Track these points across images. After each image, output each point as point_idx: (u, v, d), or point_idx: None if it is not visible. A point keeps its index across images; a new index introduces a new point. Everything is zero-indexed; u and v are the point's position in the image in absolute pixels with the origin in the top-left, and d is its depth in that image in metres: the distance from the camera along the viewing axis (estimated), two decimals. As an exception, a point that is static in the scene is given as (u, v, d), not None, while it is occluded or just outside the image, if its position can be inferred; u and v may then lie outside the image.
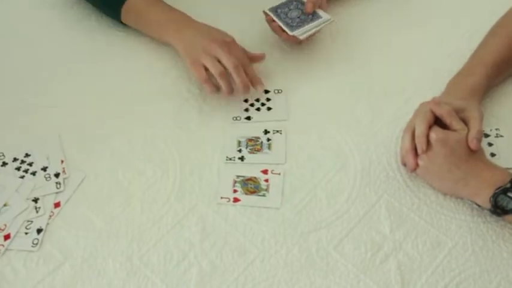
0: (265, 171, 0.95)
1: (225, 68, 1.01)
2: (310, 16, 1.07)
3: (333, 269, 0.84)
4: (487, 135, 0.97)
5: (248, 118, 1.04)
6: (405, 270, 0.83)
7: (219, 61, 1.01)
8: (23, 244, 0.88)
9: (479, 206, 0.87)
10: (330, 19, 1.07)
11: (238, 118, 1.03)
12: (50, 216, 0.92)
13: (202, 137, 1.01)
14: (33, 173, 0.96)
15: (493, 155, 0.94)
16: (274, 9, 1.09)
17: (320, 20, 1.06)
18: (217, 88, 1.02)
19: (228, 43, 1.03)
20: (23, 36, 1.21)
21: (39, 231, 0.90)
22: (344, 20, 1.19)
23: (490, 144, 0.96)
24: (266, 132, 1.01)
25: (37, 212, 0.92)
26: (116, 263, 0.86)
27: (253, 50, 1.14)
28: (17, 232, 0.90)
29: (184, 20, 1.09)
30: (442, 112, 0.89)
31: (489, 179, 0.84)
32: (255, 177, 0.95)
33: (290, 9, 1.08)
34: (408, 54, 1.12)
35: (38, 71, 1.14)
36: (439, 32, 1.15)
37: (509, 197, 0.82)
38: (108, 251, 0.88)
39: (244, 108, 1.05)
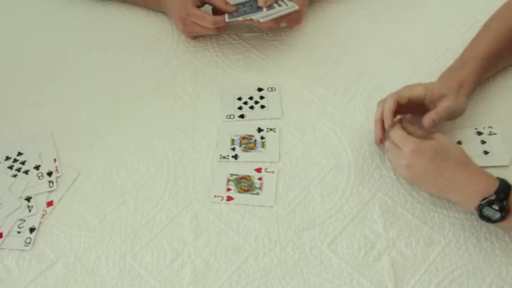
0: (258, 170, 0.95)
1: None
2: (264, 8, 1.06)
3: (327, 267, 0.84)
4: (480, 133, 0.97)
5: (242, 116, 1.03)
6: (398, 268, 0.84)
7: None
8: (16, 243, 0.88)
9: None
10: (289, 7, 1.06)
11: (232, 116, 1.03)
12: (43, 215, 0.91)
13: (196, 135, 1.01)
14: (26, 172, 0.96)
15: (486, 152, 0.94)
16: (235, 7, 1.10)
17: (274, 10, 1.06)
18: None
19: (188, 16, 1.09)
20: (15, 34, 1.21)
21: (31, 230, 0.89)
22: (338, 19, 1.19)
23: (483, 142, 0.96)
24: (260, 130, 1.01)
25: (30, 211, 0.91)
26: (109, 262, 0.86)
27: (250, 49, 1.14)
28: (10, 231, 0.89)
29: None
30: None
31: (475, 188, 0.82)
32: (248, 176, 0.94)
33: (246, 3, 1.08)
34: (402, 52, 1.12)
35: (30, 69, 1.13)
36: (433, 30, 1.15)
37: (494, 209, 0.80)
38: (101, 249, 0.87)
39: (237, 106, 1.05)
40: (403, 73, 1.08)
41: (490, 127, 0.97)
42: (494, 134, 0.97)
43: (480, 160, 0.93)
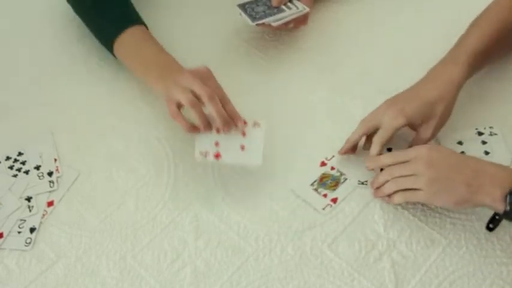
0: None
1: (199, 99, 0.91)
2: (276, 10, 1.07)
3: (327, 268, 0.84)
4: (481, 134, 0.97)
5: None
6: (399, 269, 0.84)
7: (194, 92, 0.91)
8: (16, 243, 0.88)
9: (492, 221, 0.83)
10: (300, 10, 1.07)
11: None
12: (43, 215, 0.91)
13: (196, 135, 1.00)
14: (26, 172, 0.96)
15: (487, 153, 0.94)
16: (243, 5, 1.09)
17: (285, 13, 1.06)
18: (193, 127, 0.92)
19: (202, 72, 0.94)
20: (15, 34, 1.21)
21: (32, 230, 0.89)
22: (339, 19, 1.19)
23: (484, 143, 0.96)
24: None
25: (30, 211, 0.91)
26: (109, 262, 0.86)
27: (250, 49, 1.14)
28: (10, 231, 0.89)
29: (169, 66, 0.99)
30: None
31: (502, 176, 0.78)
32: None
33: (258, 5, 1.08)
34: (403, 53, 1.12)
35: (31, 69, 1.14)
36: (433, 31, 1.15)
37: None
38: (101, 249, 0.87)
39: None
40: (403, 74, 1.07)
41: (490, 127, 0.97)
42: (495, 134, 0.96)
43: (481, 160, 0.93)
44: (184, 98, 0.90)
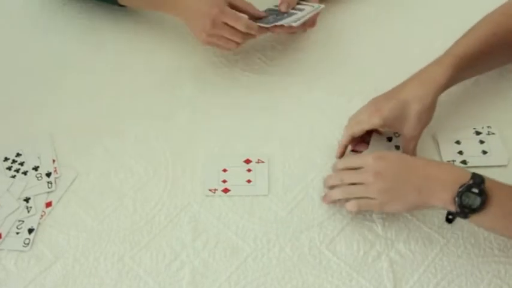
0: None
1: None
2: (285, 15, 1.06)
3: (326, 268, 0.84)
4: (478, 133, 0.97)
5: (240, 117, 1.04)
6: (397, 268, 0.84)
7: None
8: (14, 244, 0.88)
9: (448, 218, 0.86)
10: (316, 8, 1.06)
11: None
12: (42, 215, 0.91)
13: (195, 135, 1.01)
14: (25, 173, 0.96)
15: (484, 152, 0.94)
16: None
17: (301, 13, 1.05)
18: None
19: (221, 14, 1.01)
20: (12, 35, 1.20)
21: (30, 231, 0.89)
22: (337, 19, 1.19)
23: (481, 142, 0.96)
24: None
25: (28, 211, 0.91)
26: (107, 263, 0.86)
27: (249, 49, 1.14)
28: (8, 232, 0.89)
29: None
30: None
31: (450, 178, 0.79)
32: None
33: (267, 17, 1.07)
34: (402, 54, 1.12)
35: (30, 69, 1.13)
36: (431, 33, 1.15)
37: (473, 193, 0.76)
38: (100, 250, 0.87)
39: (236, 106, 1.05)
40: (404, 75, 1.07)
41: (488, 127, 0.98)
42: (493, 133, 0.97)
43: (478, 160, 0.94)
44: (234, 37, 1.03)
